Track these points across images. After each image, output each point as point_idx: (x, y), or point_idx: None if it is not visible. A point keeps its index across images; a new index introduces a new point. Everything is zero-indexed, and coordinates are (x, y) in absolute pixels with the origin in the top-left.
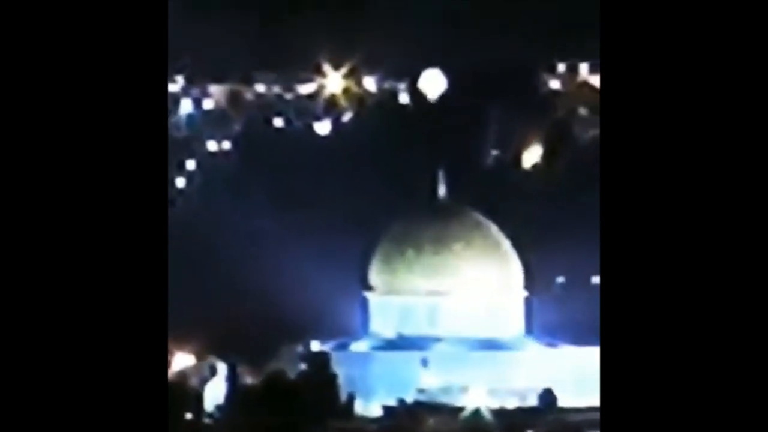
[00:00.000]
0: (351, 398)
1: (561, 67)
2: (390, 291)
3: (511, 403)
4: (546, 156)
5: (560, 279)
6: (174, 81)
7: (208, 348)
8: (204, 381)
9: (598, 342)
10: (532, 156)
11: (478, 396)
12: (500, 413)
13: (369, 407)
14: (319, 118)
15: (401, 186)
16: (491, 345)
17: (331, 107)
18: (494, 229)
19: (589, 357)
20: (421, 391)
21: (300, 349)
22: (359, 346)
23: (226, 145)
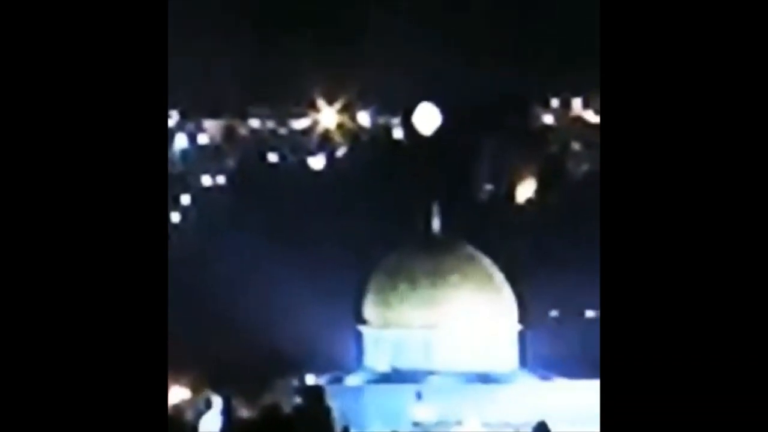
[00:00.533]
0: None
1: (554, 102)
2: (384, 324)
3: None
4: (539, 190)
5: (554, 312)
6: (169, 116)
7: (203, 381)
8: (199, 414)
9: (593, 375)
10: (525, 190)
11: (473, 429)
12: None
13: None
14: (313, 153)
15: (395, 220)
16: (485, 378)
17: (326, 142)
18: (488, 262)
19: (584, 390)
20: (416, 424)
21: (295, 382)
22: (354, 380)
23: (221, 179)
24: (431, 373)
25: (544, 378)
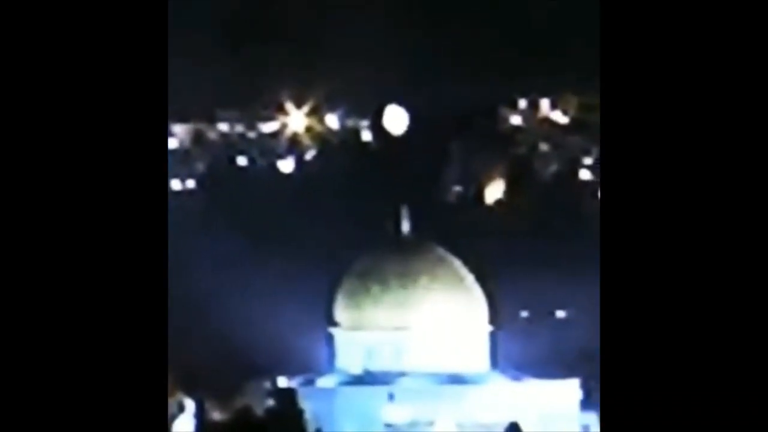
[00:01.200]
0: None
1: (522, 103)
2: (355, 326)
3: None
4: (508, 192)
5: (524, 313)
6: None
7: (175, 384)
8: (172, 417)
9: (564, 375)
10: (494, 192)
11: (445, 430)
12: None
13: None
14: (282, 157)
15: (365, 222)
16: (457, 379)
17: (294, 145)
18: (458, 263)
19: (555, 390)
20: (388, 425)
21: (267, 385)
22: (326, 382)
23: (191, 184)
24: (403, 374)
25: (516, 378)
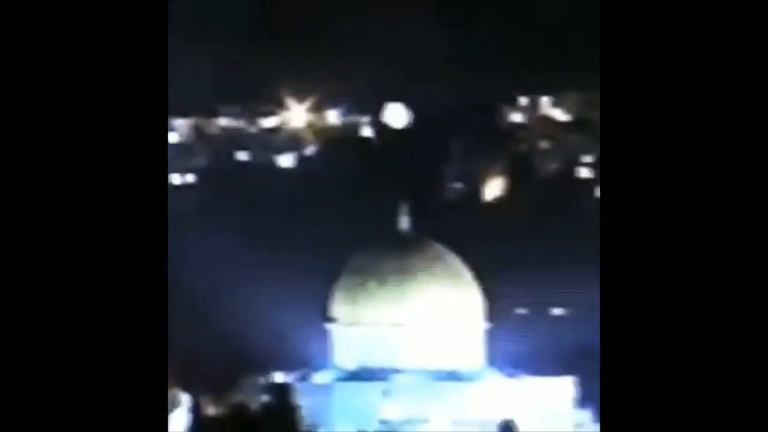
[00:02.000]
0: (313, 430)
1: (523, 101)
2: (352, 322)
3: None
4: (508, 189)
5: (521, 310)
6: None
7: (171, 379)
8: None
9: (559, 372)
10: (494, 189)
11: (440, 427)
12: None
13: None
14: (282, 152)
15: (364, 218)
16: (453, 376)
17: (295, 141)
18: (456, 260)
19: (550, 387)
20: (383, 422)
21: (262, 380)
22: (321, 378)
23: (191, 178)
24: (399, 371)
25: (511, 375)
